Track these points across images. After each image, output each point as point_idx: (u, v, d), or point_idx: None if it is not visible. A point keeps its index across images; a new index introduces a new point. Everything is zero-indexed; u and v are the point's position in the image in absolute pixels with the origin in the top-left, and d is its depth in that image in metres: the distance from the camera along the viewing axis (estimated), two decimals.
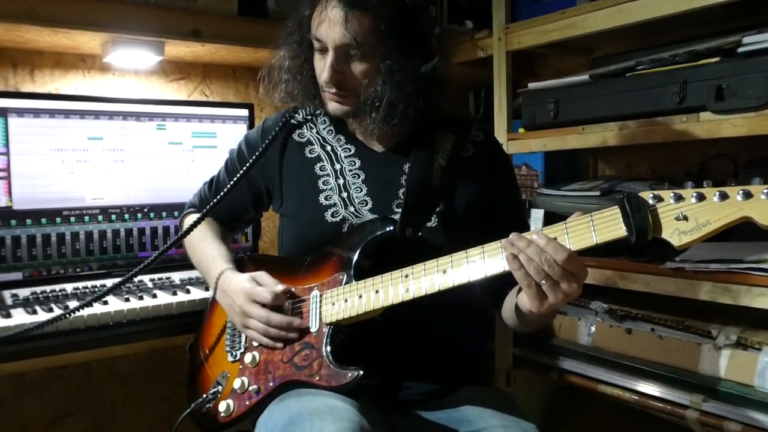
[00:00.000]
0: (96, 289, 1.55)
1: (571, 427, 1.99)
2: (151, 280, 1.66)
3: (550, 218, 1.75)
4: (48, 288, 1.54)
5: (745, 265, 1.31)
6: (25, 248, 1.57)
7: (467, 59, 1.94)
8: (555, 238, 0.95)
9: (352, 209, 1.25)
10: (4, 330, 1.28)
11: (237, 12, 1.77)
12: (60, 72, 1.80)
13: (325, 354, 1.13)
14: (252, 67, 2.06)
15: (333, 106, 1.23)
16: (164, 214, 1.78)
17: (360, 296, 1.12)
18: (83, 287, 1.56)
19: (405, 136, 1.28)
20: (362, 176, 1.28)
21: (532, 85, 1.79)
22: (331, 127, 1.35)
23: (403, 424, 1.17)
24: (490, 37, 1.85)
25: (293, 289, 1.22)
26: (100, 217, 1.68)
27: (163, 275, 1.69)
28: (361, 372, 1.08)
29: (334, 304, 1.15)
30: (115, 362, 1.89)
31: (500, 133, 1.83)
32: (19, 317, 1.35)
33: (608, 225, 0.92)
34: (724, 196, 0.85)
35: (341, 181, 1.28)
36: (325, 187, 1.28)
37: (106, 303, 1.44)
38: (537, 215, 1.79)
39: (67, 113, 1.62)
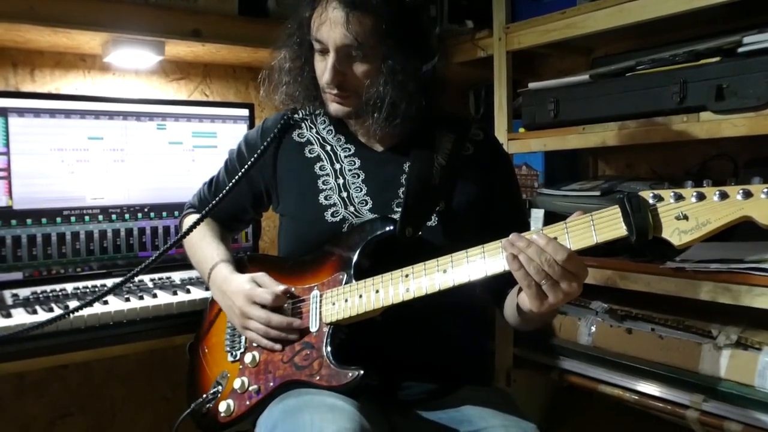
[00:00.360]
0: (96, 289, 1.55)
1: (571, 427, 1.99)
2: (152, 279, 1.66)
3: (551, 218, 1.75)
4: (48, 288, 1.54)
5: (745, 264, 1.31)
6: (25, 248, 1.57)
7: (467, 59, 1.94)
8: (555, 238, 0.95)
9: (351, 209, 1.25)
10: (4, 330, 1.28)
11: (237, 12, 1.77)
12: (60, 72, 1.81)
13: (325, 354, 1.13)
14: (252, 67, 2.06)
15: (334, 107, 1.23)
16: (164, 213, 1.78)
17: (360, 296, 1.12)
18: (83, 287, 1.56)
19: (405, 135, 1.28)
20: (362, 176, 1.28)
21: (532, 85, 1.79)
22: (331, 127, 1.35)
23: (403, 423, 1.17)
24: (491, 37, 1.85)
25: (293, 289, 1.22)
26: (100, 217, 1.68)
27: (164, 275, 1.69)
28: (362, 372, 1.08)
29: (334, 303, 1.15)
30: (115, 362, 1.89)
31: (500, 132, 1.83)
32: (20, 317, 1.35)
33: (608, 224, 0.92)
34: (724, 196, 0.85)
35: (341, 180, 1.28)
36: (324, 187, 1.28)
37: (106, 303, 1.44)
38: (537, 215, 1.79)
39: (67, 113, 1.62)
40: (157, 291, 1.56)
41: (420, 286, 1.06)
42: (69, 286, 1.56)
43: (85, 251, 1.65)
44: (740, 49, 1.39)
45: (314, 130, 1.35)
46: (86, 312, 1.35)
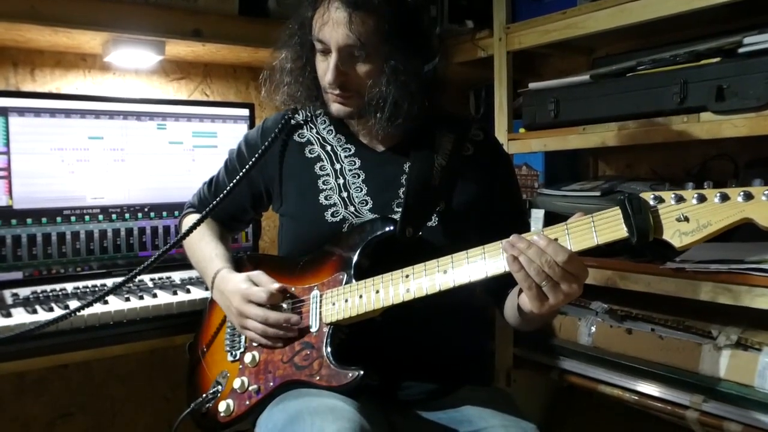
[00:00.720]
0: (96, 289, 1.56)
1: (571, 427, 1.99)
2: (152, 279, 1.66)
3: (551, 218, 1.75)
4: (48, 287, 1.54)
5: (745, 265, 1.31)
6: (25, 247, 1.57)
7: (468, 59, 1.94)
8: (556, 239, 0.95)
9: (352, 209, 1.25)
10: (4, 330, 1.28)
11: (237, 12, 1.77)
12: (61, 71, 1.80)
13: (325, 354, 1.13)
14: (253, 66, 2.06)
15: (336, 108, 1.23)
16: (165, 213, 1.78)
17: (360, 296, 1.12)
18: (84, 287, 1.56)
19: (405, 135, 1.28)
20: (362, 176, 1.28)
21: (532, 85, 1.79)
22: (331, 127, 1.35)
23: (403, 424, 1.17)
24: (491, 37, 1.85)
25: (293, 289, 1.22)
26: (100, 217, 1.68)
27: (164, 275, 1.69)
28: (362, 372, 1.08)
29: (334, 303, 1.15)
30: (115, 362, 1.89)
31: (501, 133, 1.83)
32: (20, 317, 1.35)
33: (609, 226, 0.92)
34: (725, 198, 0.85)
35: (341, 180, 1.28)
36: (325, 187, 1.28)
37: (106, 302, 1.44)
38: (537, 215, 1.79)
39: (67, 112, 1.62)
40: (157, 291, 1.56)
41: (420, 286, 1.06)
42: (69, 286, 1.56)
43: (85, 251, 1.65)
44: (741, 50, 1.39)
45: (314, 130, 1.35)
46: (86, 311, 1.34)
